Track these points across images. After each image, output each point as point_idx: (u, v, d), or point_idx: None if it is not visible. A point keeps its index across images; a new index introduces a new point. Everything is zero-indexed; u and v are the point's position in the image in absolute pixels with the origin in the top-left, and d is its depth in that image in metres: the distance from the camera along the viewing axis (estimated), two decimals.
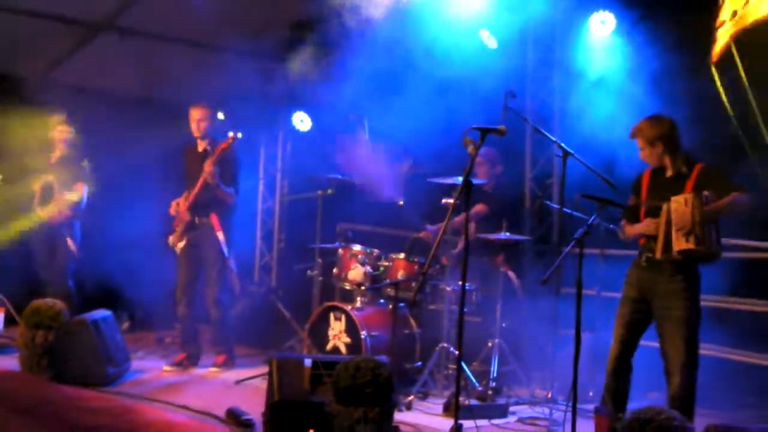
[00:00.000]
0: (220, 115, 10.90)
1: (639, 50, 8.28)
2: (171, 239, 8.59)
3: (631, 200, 6.27)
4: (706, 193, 5.74)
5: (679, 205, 5.77)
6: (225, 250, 8.37)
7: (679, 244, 5.76)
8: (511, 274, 8.48)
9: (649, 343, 6.17)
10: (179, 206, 8.52)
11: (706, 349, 5.91)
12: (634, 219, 6.18)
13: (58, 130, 9.32)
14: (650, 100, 7.70)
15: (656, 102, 7.51)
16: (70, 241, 9.27)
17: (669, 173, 6.07)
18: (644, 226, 6.02)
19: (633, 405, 5.83)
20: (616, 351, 6.10)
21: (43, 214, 9.19)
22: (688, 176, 5.97)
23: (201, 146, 8.60)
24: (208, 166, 8.24)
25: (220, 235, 8.36)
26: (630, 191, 6.34)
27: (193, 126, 8.56)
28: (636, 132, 6.14)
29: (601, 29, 8.55)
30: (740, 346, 7.55)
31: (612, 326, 6.24)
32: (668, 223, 5.82)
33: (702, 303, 5.95)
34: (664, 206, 5.85)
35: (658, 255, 5.87)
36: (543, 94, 9.34)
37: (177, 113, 8.97)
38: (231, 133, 8.29)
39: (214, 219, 8.40)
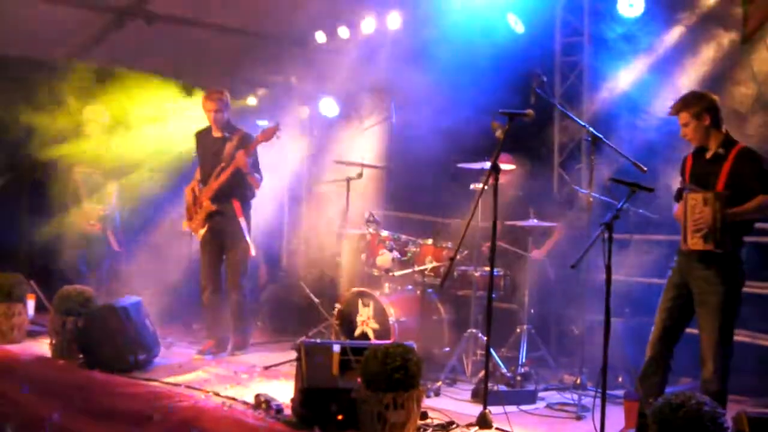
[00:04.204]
0: (252, 101, 10.96)
1: (669, 32, 8.21)
2: (187, 225, 8.62)
3: (680, 183, 6.06)
4: (713, 193, 5.62)
5: (696, 203, 5.67)
6: (247, 236, 8.37)
7: (695, 243, 5.69)
8: (545, 258, 8.45)
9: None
10: (196, 193, 8.54)
11: (739, 335, 5.84)
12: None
13: (92, 120, 9.41)
14: (683, 82, 7.65)
15: (689, 83, 7.47)
16: (111, 236, 9.37)
17: (708, 154, 5.91)
18: (679, 211, 5.91)
19: (665, 390, 5.80)
20: (655, 337, 5.99)
21: (75, 218, 9.32)
22: (725, 158, 5.80)
23: (217, 132, 8.56)
24: (242, 158, 8.23)
25: (242, 221, 8.36)
26: (679, 173, 6.14)
27: (208, 116, 8.52)
28: (682, 107, 5.92)
29: (630, 11, 8.45)
30: None
31: (641, 311, 6.18)
32: (687, 214, 5.74)
33: None
34: (684, 194, 5.77)
35: (681, 244, 5.81)
36: (571, 79, 9.28)
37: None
38: (275, 125, 8.31)
39: (236, 205, 8.40)
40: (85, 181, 9.39)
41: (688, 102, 5.92)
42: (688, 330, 6.02)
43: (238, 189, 8.44)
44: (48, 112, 9.70)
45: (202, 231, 8.49)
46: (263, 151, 8.67)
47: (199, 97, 8.81)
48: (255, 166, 8.51)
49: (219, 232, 8.47)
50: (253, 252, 8.48)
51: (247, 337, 8.69)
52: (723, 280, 5.73)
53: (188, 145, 9.04)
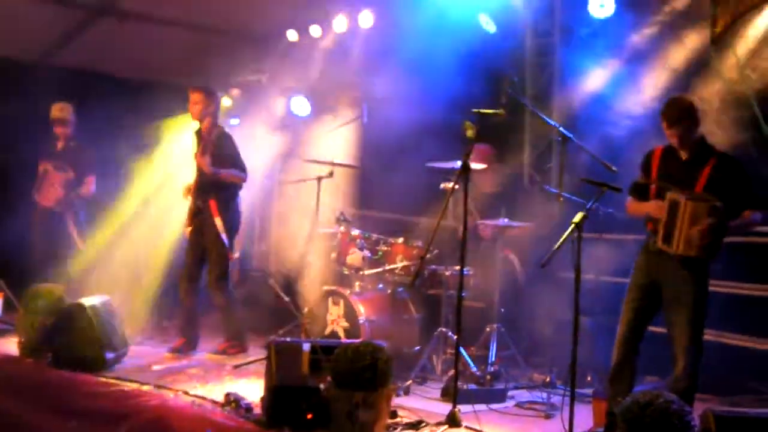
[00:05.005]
0: (226, 101, 10.92)
1: (639, 32, 8.26)
2: (185, 223, 8.57)
3: (640, 178, 6.06)
4: (718, 204, 5.57)
5: (700, 212, 5.56)
6: (223, 235, 8.30)
7: (688, 251, 5.62)
8: (513, 257, 8.46)
9: (649, 327, 6.13)
10: (189, 192, 8.51)
11: (705, 334, 5.89)
12: (642, 197, 6.03)
13: (59, 119, 9.32)
14: (653, 81, 7.70)
15: (658, 83, 7.52)
16: (73, 230, 9.26)
17: (685, 156, 5.90)
18: (652, 207, 5.88)
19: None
20: (622, 338, 6.00)
21: (40, 198, 9.21)
22: (704, 162, 5.79)
23: (203, 129, 8.52)
24: (198, 157, 8.25)
25: (218, 221, 8.28)
26: (639, 169, 6.12)
27: (189, 109, 8.50)
28: (680, 116, 5.78)
29: (601, 12, 8.47)
30: (739, 330, 7.54)
31: (610, 311, 6.20)
32: (672, 216, 5.69)
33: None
34: (668, 195, 5.73)
35: (659, 244, 5.80)
36: (542, 79, 9.31)
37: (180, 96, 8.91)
38: (207, 119, 8.33)
39: (212, 205, 8.33)
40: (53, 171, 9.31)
41: (686, 112, 5.81)
42: (654, 329, 6.06)
43: (213, 188, 8.36)
44: (16, 109, 9.63)
45: (188, 230, 8.48)
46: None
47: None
48: (231, 162, 8.41)
49: (199, 232, 8.44)
50: (235, 254, 8.42)
51: (244, 340, 8.56)
52: (697, 280, 5.78)
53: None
